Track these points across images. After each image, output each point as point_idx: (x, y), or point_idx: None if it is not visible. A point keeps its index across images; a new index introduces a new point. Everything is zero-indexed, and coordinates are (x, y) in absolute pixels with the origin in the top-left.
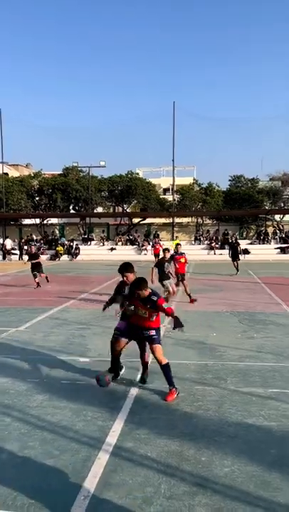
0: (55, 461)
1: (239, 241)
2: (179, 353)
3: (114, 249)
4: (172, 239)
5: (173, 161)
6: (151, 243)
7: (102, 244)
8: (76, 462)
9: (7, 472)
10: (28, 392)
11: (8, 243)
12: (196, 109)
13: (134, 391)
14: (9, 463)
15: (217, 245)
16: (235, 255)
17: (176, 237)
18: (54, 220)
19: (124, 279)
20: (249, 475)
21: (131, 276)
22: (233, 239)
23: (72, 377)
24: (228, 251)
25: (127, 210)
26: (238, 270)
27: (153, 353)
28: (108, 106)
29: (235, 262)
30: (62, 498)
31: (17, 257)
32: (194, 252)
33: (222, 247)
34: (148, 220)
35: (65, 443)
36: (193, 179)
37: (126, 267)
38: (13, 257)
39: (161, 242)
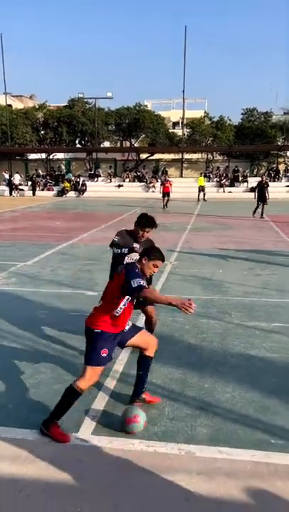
0: (65, 385)
1: (269, 182)
2: (185, 289)
3: (122, 185)
4: (181, 175)
5: (183, 91)
6: (160, 180)
7: (109, 180)
8: None
9: (21, 394)
10: (38, 324)
11: (17, 178)
12: (208, 33)
13: (140, 323)
14: (23, 386)
15: (227, 183)
16: (261, 197)
17: (201, 173)
18: (60, 155)
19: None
20: (249, 400)
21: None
22: (264, 178)
23: (81, 310)
24: (255, 192)
25: (135, 145)
26: (259, 214)
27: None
28: (116, 33)
29: (260, 204)
30: (72, 418)
31: (24, 192)
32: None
33: (232, 185)
34: (156, 156)
35: (74, 370)
36: (204, 112)
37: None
38: (21, 192)
39: (171, 179)
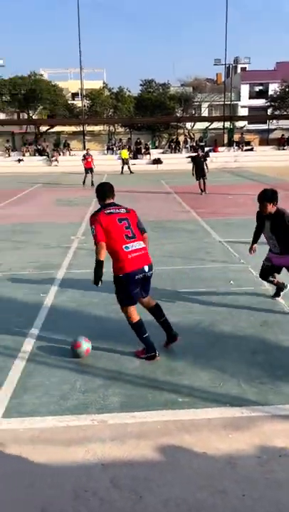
0: None
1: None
2: (92, 264)
3: (22, 160)
4: (84, 148)
5: (80, 61)
6: (67, 154)
7: (7, 155)
8: None
9: None
10: None
11: None
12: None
13: (48, 301)
14: None
15: (130, 155)
16: (200, 171)
17: (124, 146)
18: None
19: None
20: (157, 365)
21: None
22: (199, 152)
23: None
24: (191, 166)
25: (33, 117)
26: (202, 190)
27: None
28: None
29: (201, 180)
30: None
31: None
32: (107, 163)
33: (135, 157)
34: (57, 128)
35: None
36: (103, 83)
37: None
38: None
39: (91, 153)
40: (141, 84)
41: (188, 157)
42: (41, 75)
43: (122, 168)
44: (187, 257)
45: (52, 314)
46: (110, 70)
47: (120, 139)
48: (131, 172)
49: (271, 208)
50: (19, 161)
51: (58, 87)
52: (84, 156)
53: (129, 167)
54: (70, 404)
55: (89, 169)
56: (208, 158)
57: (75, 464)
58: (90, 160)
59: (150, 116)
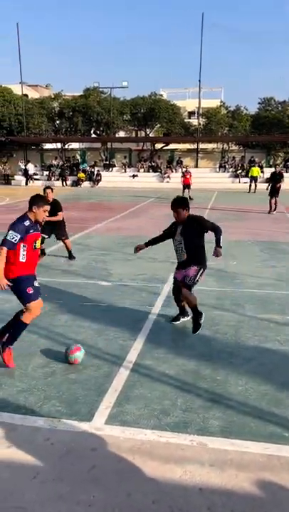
0: (79, 375)
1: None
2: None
3: (136, 176)
4: (196, 166)
5: (199, 81)
6: (179, 171)
7: (123, 170)
8: (98, 377)
9: (36, 383)
10: (52, 312)
11: (31, 168)
12: (226, 21)
13: (154, 314)
14: (37, 375)
15: (243, 173)
16: (273, 190)
17: (255, 164)
18: (75, 145)
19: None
20: (262, 393)
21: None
22: (278, 169)
23: (95, 300)
24: (267, 184)
25: (150, 135)
26: (271, 208)
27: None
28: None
29: (273, 199)
30: (85, 407)
31: (40, 182)
32: (218, 180)
33: (247, 175)
34: (171, 146)
35: (88, 359)
36: (220, 101)
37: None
38: (36, 182)
39: (192, 171)
40: (259, 103)
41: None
42: (161, 95)
43: (250, 186)
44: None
45: (156, 328)
46: (228, 89)
47: (234, 157)
48: (254, 190)
49: (184, 214)
50: (134, 176)
51: (175, 106)
52: (183, 173)
53: (255, 185)
54: (170, 421)
55: (186, 185)
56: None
57: (173, 482)
58: (188, 177)
59: (267, 134)
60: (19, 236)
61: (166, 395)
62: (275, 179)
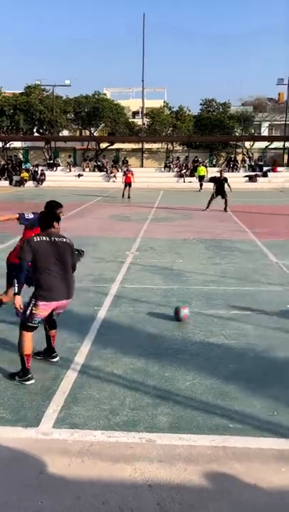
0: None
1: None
2: (145, 279)
3: (82, 175)
4: (141, 165)
5: (143, 81)
6: (122, 170)
7: (68, 170)
8: (45, 380)
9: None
10: None
11: None
12: (168, 22)
13: (101, 314)
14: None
15: (187, 173)
16: (222, 192)
17: (201, 163)
18: (17, 144)
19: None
20: (208, 387)
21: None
22: (222, 173)
23: None
24: (213, 186)
25: (94, 134)
26: (208, 204)
27: None
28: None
29: (213, 198)
30: (32, 412)
31: None
32: (164, 180)
33: (192, 175)
34: (116, 145)
35: (34, 363)
36: (164, 102)
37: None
38: None
39: (133, 170)
40: (201, 104)
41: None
42: (104, 94)
43: (200, 185)
44: (242, 278)
45: (104, 328)
46: (171, 90)
47: (178, 157)
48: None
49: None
50: (79, 176)
51: (119, 105)
52: (124, 171)
53: (201, 184)
54: (119, 420)
55: (128, 184)
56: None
57: (122, 481)
58: (130, 175)
59: (209, 135)
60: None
61: (114, 394)
62: (221, 183)
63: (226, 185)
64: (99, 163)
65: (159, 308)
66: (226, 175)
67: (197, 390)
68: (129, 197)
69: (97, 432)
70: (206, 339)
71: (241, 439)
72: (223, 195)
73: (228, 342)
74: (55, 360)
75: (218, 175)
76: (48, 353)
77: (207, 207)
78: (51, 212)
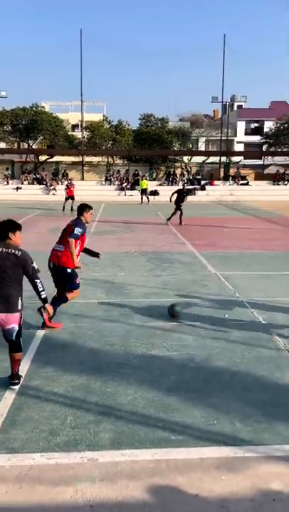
0: None
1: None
2: (87, 292)
3: (20, 188)
4: (82, 178)
5: (81, 95)
6: (64, 183)
7: (6, 183)
8: None
9: None
10: None
11: None
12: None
13: (41, 332)
14: None
15: (128, 186)
16: (178, 203)
17: (143, 176)
18: None
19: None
20: (150, 400)
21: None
22: (185, 186)
23: None
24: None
25: (33, 147)
26: (169, 219)
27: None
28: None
29: (177, 212)
30: None
31: None
32: (105, 193)
33: (132, 188)
34: (56, 158)
35: None
36: (103, 116)
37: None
38: None
39: (77, 183)
40: (140, 119)
41: (175, 191)
42: (43, 107)
43: (142, 198)
44: (182, 289)
45: (44, 346)
46: (111, 104)
47: (118, 170)
48: (148, 202)
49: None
50: (17, 189)
51: (58, 118)
52: (67, 185)
53: (147, 197)
54: (60, 441)
55: (70, 197)
56: (189, 196)
57: (63, 504)
58: (72, 189)
59: (148, 149)
60: (81, 231)
61: (55, 414)
62: (182, 195)
63: (186, 197)
64: (38, 176)
65: (101, 322)
66: (165, 188)
67: (139, 404)
68: (72, 209)
69: (36, 455)
70: (147, 352)
71: (183, 450)
72: (180, 206)
73: (170, 353)
74: (13, 387)
75: (181, 187)
76: (9, 377)
77: (168, 219)
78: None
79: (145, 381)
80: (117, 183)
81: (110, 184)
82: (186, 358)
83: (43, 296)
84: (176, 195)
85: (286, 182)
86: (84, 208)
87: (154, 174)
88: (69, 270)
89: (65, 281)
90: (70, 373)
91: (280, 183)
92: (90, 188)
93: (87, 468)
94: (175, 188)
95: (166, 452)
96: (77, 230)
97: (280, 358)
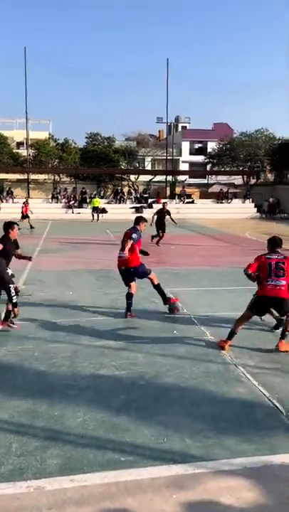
0: None
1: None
2: (33, 313)
3: None
4: (28, 196)
5: (26, 112)
6: (10, 201)
7: None
8: None
9: None
10: None
11: None
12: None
13: None
14: None
15: (75, 204)
16: (161, 225)
17: (95, 194)
18: None
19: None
20: (100, 421)
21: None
22: (166, 206)
23: None
24: (153, 219)
25: None
26: (160, 238)
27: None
28: None
29: (160, 233)
30: None
31: None
32: (52, 211)
33: (80, 206)
34: (0, 176)
35: None
36: (49, 134)
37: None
38: None
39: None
40: (86, 137)
41: (156, 213)
42: None
43: (93, 215)
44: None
45: None
46: (56, 122)
47: (65, 188)
48: (97, 219)
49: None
50: None
51: (2, 135)
52: (24, 203)
53: (98, 215)
54: (5, 470)
55: (26, 215)
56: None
57: None
58: (27, 207)
59: (95, 167)
60: (137, 236)
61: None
62: (162, 214)
63: (167, 217)
64: None
65: (48, 343)
66: (113, 206)
67: (88, 426)
68: (32, 227)
69: None
70: (96, 372)
71: (133, 471)
72: (163, 228)
73: (119, 372)
74: None
75: (161, 206)
76: None
77: (157, 243)
78: None
79: (94, 402)
80: (64, 200)
81: (57, 202)
82: (135, 376)
83: None
84: (156, 216)
85: (229, 200)
86: (140, 219)
87: (102, 192)
88: (132, 269)
89: (139, 276)
90: (15, 398)
91: (223, 201)
92: (36, 206)
93: (33, 497)
94: (122, 205)
95: (116, 475)
96: (134, 235)
97: (227, 372)
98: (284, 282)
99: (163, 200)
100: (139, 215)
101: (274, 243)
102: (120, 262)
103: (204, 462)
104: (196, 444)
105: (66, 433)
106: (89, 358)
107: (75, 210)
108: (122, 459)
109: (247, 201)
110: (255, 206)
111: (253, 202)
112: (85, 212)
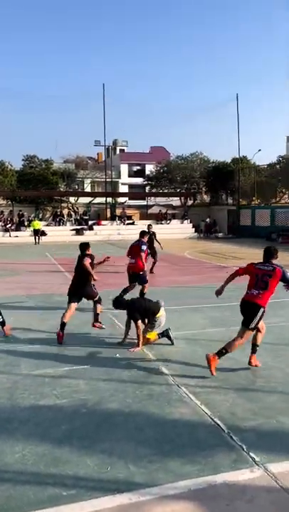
0: None
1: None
2: None
3: None
4: None
5: None
6: None
7: None
8: None
9: None
10: None
11: None
12: None
13: None
14: None
15: (13, 227)
16: (150, 249)
17: (35, 217)
18: None
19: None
20: (40, 455)
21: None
22: (150, 229)
23: None
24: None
25: None
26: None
27: None
28: None
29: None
30: None
31: None
32: None
33: (18, 229)
34: None
35: None
36: None
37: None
38: None
39: None
40: (23, 159)
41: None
42: None
43: (35, 238)
44: (71, 332)
45: None
46: None
47: (2, 211)
48: (38, 242)
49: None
50: None
51: None
52: None
53: (38, 238)
54: None
55: None
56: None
57: None
58: None
59: (33, 189)
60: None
61: None
62: (150, 240)
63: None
64: None
65: None
66: (53, 228)
67: (28, 461)
68: None
69: None
70: (36, 402)
71: (75, 506)
72: (154, 254)
73: (60, 401)
74: None
75: (146, 229)
76: None
77: (151, 270)
78: None
79: (34, 435)
80: (0, 224)
81: None
82: (77, 404)
83: None
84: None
85: (168, 221)
86: (144, 233)
87: (41, 215)
88: (141, 273)
89: (140, 280)
90: None
91: (162, 222)
92: None
93: None
94: (62, 227)
95: (57, 511)
96: (143, 246)
97: (170, 393)
98: (262, 292)
99: (147, 222)
100: (142, 229)
101: (266, 253)
102: (130, 267)
103: (149, 488)
104: (140, 471)
105: (4, 471)
106: (29, 389)
107: (13, 234)
108: (63, 493)
109: (185, 222)
110: (192, 226)
111: (190, 222)
112: (23, 236)
